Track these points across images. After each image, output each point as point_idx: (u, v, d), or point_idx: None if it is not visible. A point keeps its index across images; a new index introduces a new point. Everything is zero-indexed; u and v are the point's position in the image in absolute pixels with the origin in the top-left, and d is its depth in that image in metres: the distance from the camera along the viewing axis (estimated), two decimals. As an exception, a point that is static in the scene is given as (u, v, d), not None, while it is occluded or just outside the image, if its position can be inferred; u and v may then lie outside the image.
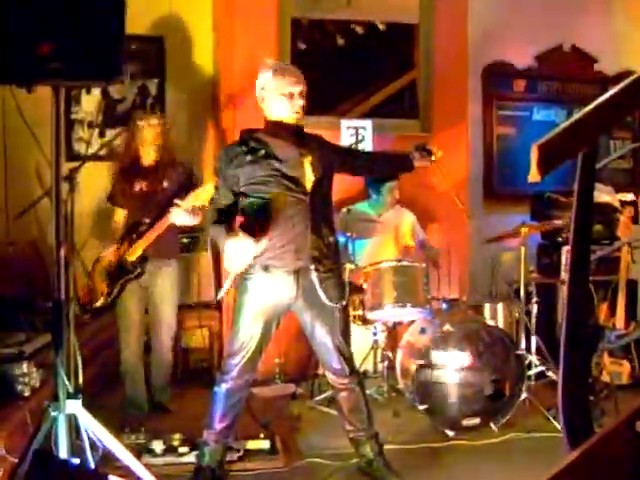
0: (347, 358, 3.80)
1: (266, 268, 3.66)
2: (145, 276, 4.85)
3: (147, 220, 4.80)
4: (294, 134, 3.75)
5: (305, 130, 3.84)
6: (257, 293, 3.68)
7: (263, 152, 3.68)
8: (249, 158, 3.68)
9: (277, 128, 3.74)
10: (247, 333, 3.69)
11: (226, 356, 3.84)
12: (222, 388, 3.77)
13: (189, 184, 4.85)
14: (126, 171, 4.94)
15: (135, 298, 4.90)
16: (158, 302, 4.97)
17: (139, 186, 4.89)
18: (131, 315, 4.90)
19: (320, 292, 3.65)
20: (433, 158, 3.95)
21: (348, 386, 3.81)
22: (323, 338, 3.74)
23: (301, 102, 3.70)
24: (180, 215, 4.63)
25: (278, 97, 3.70)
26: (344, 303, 3.77)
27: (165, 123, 5.04)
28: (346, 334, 3.83)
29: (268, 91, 3.74)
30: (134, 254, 4.80)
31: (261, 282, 3.68)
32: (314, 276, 3.65)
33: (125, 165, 4.97)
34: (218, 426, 3.77)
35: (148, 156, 4.91)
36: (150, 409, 4.99)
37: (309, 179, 3.66)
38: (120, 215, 4.98)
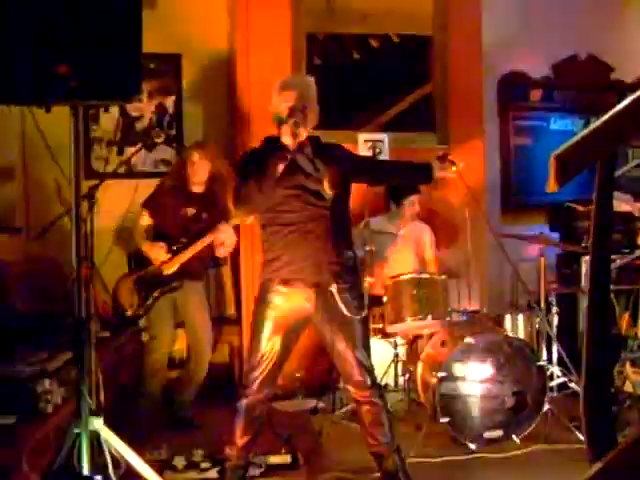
0: (368, 370, 3.78)
1: (286, 282, 3.67)
2: (179, 292, 4.97)
3: (184, 240, 4.94)
4: (313, 147, 3.74)
5: (323, 141, 3.83)
6: (276, 306, 3.68)
7: (286, 165, 3.63)
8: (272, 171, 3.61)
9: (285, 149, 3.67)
10: (266, 346, 3.69)
11: (246, 370, 3.84)
12: (242, 402, 3.76)
13: (223, 212, 5.03)
14: (175, 191, 5.08)
15: (168, 310, 5.03)
16: (195, 319, 5.08)
17: (187, 211, 5.04)
18: (161, 325, 5.03)
19: (340, 304, 3.64)
20: (454, 169, 3.92)
21: (370, 399, 3.79)
22: (344, 351, 3.72)
23: (293, 119, 3.60)
24: (227, 231, 4.93)
25: (281, 112, 3.67)
26: (364, 314, 3.76)
27: (217, 155, 5.19)
28: (367, 346, 3.81)
29: (273, 107, 3.74)
30: (171, 267, 4.92)
31: (280, 295, 3.68)
32: (334, 289, 3.65)
33: (174, 185, 5.10)
34: (239, 441, 3.76)
35: (198, 186, 5.09)
36: (174, 425, 5.02)
37: (329, 193, 3.66)
38: (147, 220, 5.09)
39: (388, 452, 3.82)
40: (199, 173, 5.05)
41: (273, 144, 3.66)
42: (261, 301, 3.73)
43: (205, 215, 5.04)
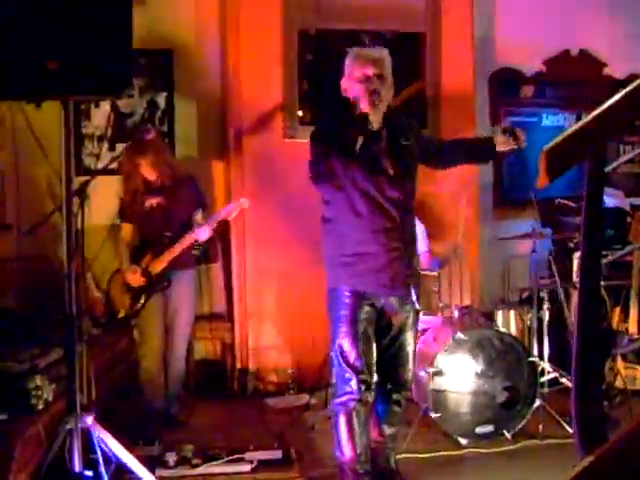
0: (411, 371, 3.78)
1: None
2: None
3: (168, 234, 4.92)
4: (384, 129, 3.55)
5: (393, 114, 3.64)
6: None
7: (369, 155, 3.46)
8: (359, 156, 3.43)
9: (365, 122, 3.45)
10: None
11: None
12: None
13: (200, 197, 5.15)
14: (136, 191, 5.01)
15: (156, 308, 4.96)
16: (174, 312, 5.03)
17: (152, 202, 4.98)
18: (152, 325, 4.96)
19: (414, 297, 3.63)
20: (519, 143, 3.71)
21: (404, 400, 3.77)
22: (408, 346, 3.70)
23: (374, 88, 3.46)
24: (206, 232, 4.88)
25: (354, 84, 3.53)
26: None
27: (160, 149, 5.10)
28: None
29: (346, 80, 3.58)
30: (159, 267, 4.91)
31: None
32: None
33: (132, 183, 5.03)
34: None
35: (151, 173, 4.98)
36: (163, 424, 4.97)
37: (402, 195, 3.53)
38: (128, 232, 5.06)
39: (389, 451, 3.81)
40: (151, 174, 4.97)
41: (352, 114, 3.47)
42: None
43: (178, 200, 5.00)
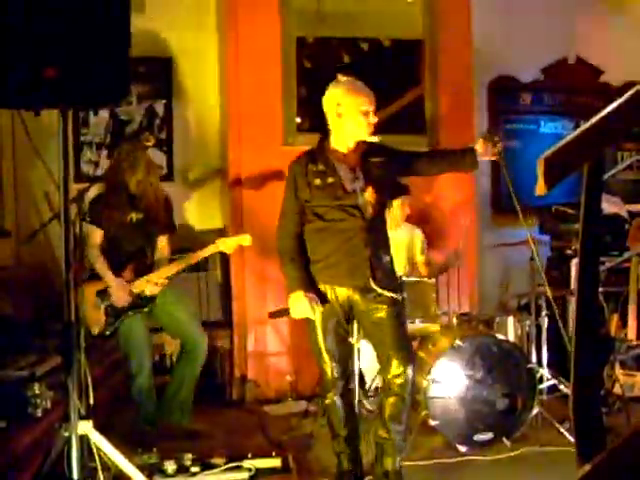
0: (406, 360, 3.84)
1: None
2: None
3: (144, 253, 4.86)
4: (360, 154, 3.82)
5: (370, 142, 3.88)
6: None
7: (331, 180, 3.75)
8: (317, 183, 3.75)
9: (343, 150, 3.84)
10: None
11: None
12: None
13: (172, 222, 5.10)
14: (115, 200, 4.84)
15: (141, 321, 4.83)
16: (174, 315, 4.93)
17: (133, 215, 4.85)
18: (141, 339, 4.81)
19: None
20: (495, 154, 3.89)
21: (400, 390, 3.77)
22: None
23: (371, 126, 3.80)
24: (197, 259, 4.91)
25: (355, 115, 3.78)
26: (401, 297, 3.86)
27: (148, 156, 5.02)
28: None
29: (344, 107, 3.78)
30: (140, 287, 4.78)
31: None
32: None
33: (113, 193, 4.87)
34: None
35: (137, 184, 4.84)
36: (174, 431, 4.89)
37: (369, 209, 3.75)
38: (99, 236, 4.81)
39: (392, 451, 3.81)
40: (139, 168, 4.82)
41: (327, 149, 3.84)
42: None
43: (159, 216, 4.92)
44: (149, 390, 4.85)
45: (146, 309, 4.81)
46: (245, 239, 4.95)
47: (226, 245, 4.92)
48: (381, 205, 3.87)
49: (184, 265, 4.89)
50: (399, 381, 3.72)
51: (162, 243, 5.01)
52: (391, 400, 3.77)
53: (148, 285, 4.77)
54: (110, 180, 4.93)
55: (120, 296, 4.74)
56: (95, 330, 4.74)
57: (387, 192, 3.97)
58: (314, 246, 3.80)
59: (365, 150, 3.83)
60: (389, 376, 3.75)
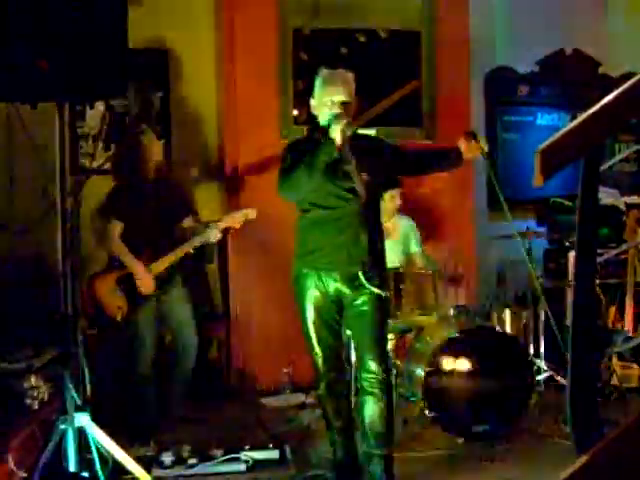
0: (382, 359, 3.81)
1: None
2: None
3: (162, 237, 4.86)
4: (350, 143, 3.67)
5: (360, 133, 3.86)
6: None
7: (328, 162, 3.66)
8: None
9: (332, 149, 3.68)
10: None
11: None
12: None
13: (189, 204, 5.14)
14: (130, 187, 4.93)
15: (148, 312, 4.85)
16: (177, 313, 4.95)
17: (147, 202, 4.89)
18: (148, 331, 4.84)
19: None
20: (481, 152, 3.88)
21: (377, 389, 3.72)
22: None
23: (345, 120, 3.61)
24: (217, 235, 4.85)
25: (322, 106, 3.76)
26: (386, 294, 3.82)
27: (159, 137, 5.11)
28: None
29: (316, 99, 3.80)
30: (157, 270, 4.82)
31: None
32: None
33: (127, 181, 4.97)
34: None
35: (150, 172, 4.91)
36: (172, 423, 4.92)
37: (363, 192, 3.68)
38: (118, 228, 4.85)
39: (378, 459, 3.74)
40: (154, 154, 4.91)
41: (319, 137, 3.70)
42: None
43: (173, 202, 4.96)
44: (148, 380, 4.87)
45: (157, 293, 4.82)
46: (250, 212, 4.92)
47: (233, 220, 4.90)
48: (375, 190, 3.84)
49: (194, 245, 4.87)
50: (371, 379, 3.68)
51: (189, 224, 5.02)
52: (367, 403, 3.70)
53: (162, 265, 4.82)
54: (120, 170, 5.06)
55: (146, 283, 4.78)
56: (118, 316, 4.78)
57: (379, 178, 3.89)
58: (309, 236, 3.80)
59: (356, 140, 3.74)
60: (363, 373, 3.72)
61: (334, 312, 3.80)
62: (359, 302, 3.73)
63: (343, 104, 3.70)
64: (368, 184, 3.71)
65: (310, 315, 3.78)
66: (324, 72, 3.85)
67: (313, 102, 3.83)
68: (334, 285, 3.74)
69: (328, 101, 3.72)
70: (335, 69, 3.85)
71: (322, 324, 3.78)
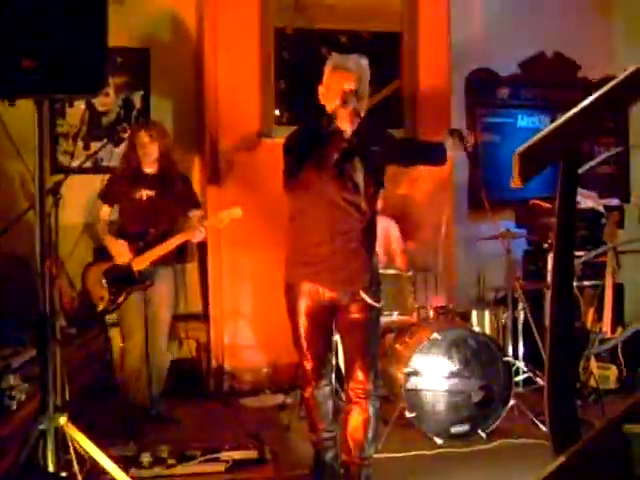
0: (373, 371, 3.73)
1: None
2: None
3: (152, 230, 4.92)
4: (356, 138, 3.51)
5: (365, 119, 3.61)
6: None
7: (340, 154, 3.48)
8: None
9: (340, 139, 3.49)
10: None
11: None
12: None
13: (190, 196, 5.19)
14: (128, 177, 5.04)
15: (136, 304, 4.91)
16: (156, 307, 4.98)
17: (143, 194, 4.99)
18: (135, 319, 4.91)
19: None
20: (466, 146, 3.82)
21: (365, 400, 3.65)
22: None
23: (352, 106, 3.44)
24: (201, 234, 4.95)
25: (331, 94, 3.53)
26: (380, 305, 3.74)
27: (165, 133, 5.18)
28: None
29: (325, 87, 3.58)
30: (143, 263, 4.88)
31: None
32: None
33: (127, 171, 5.07)
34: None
35: (151, 166, 5.04)
36: (149, 421, 4.91)
37: (364, 200, 3.57)
38: (107, 212, 5.08)
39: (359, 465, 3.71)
40: (150, 154, 5.01)
41: (328, 126, 3.48)
42: None
43: (170, 196, 5.02)
44: (136, 372, 4.91)
45: (142, 285, 4.87)
46: (235, 212, 4.91)
47: (217, 220, 4.95)
48: (375, 199, 3.70)
49: (180, 241, 4.93)
50: (358, 389, 3.62)
51: (195, 218, 5.09)
52: (351, 412, 3.65)
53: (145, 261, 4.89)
54: (124, 161, 5.16)
55: (120, 252, 4.89)
56: (100, 306, 4.88)
57: (381, 171, 3.68)
58: (306, 245, 3.66)
59: (360, 129, 3.55)
60: (350, 382, 3.65)
61: (326, 318, 3.70)
62: (352, 309, 3.63)
63: (353, 92, 3.47)
64: (370, 191, 3.57)
65: (302, 323, 3.67)
66: (335, 57, 3.63)
67: (321, 89, 3.60)
68: (330, 294, 3.63)
69: (338, 89, 3.48)
70: (324, 66, 3.62)
71: (314, 332, 3.68)
